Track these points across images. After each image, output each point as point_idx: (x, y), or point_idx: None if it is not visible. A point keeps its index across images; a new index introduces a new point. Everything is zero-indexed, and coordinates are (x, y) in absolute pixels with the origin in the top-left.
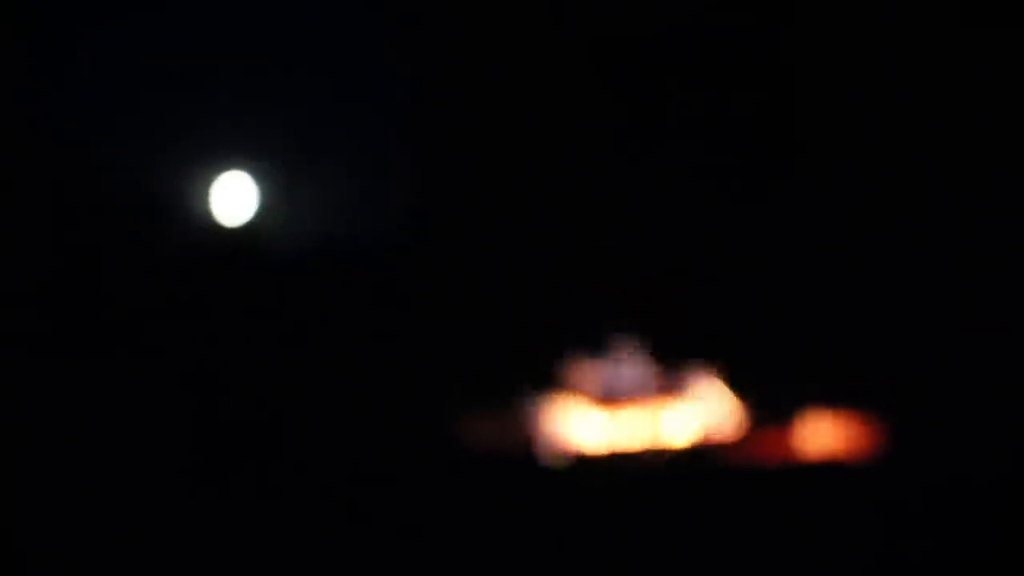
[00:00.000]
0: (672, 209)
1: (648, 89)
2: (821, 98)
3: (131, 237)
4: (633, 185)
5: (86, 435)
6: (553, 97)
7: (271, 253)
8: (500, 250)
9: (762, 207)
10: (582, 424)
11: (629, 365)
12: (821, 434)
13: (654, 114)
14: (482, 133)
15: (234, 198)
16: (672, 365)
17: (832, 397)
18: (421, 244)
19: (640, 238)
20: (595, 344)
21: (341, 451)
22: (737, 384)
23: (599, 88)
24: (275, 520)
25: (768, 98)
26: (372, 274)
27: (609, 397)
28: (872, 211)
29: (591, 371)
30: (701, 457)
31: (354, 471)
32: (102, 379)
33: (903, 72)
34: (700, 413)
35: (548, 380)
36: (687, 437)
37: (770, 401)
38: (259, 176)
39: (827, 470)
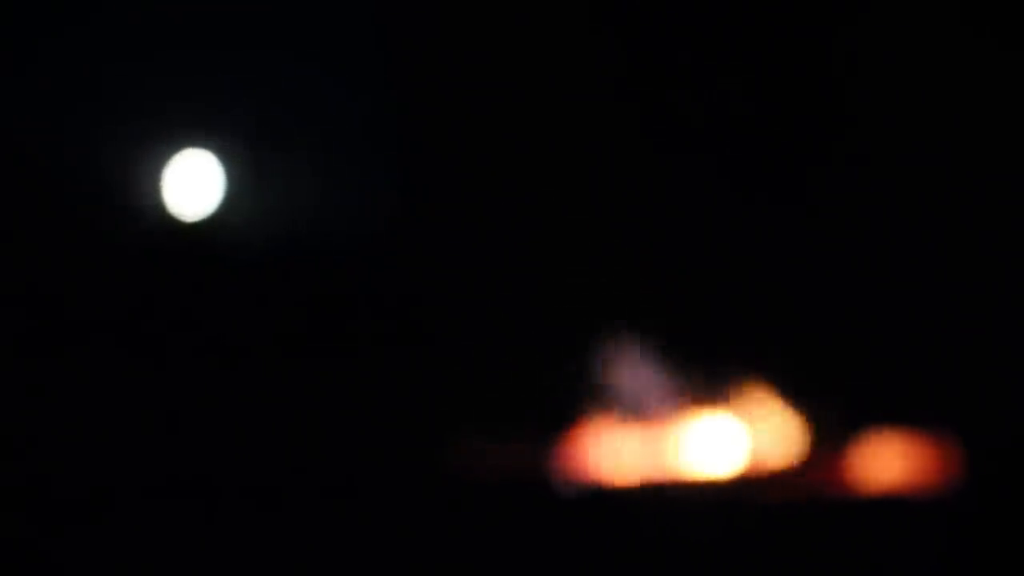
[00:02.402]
0: (707, 201)
1: (665, 80)
2: (862, 96)
3: (62, 234)
4: (666, 176)
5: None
6: (557, 75)
7: (238, 254)
8: (504, 247)
9: (819, 201)
10: (600, 448)
11: (656, 378)
12: (886, 460)
13: (671, 106)
14: (482, 114)
15: (194, 185)
16: (709, 378)
17: (900, 415)
18: (415, 242)
19: (668, 232)
20: (615, 354)
21: (323, 479)
22: (787, 400)
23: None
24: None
25: (802, 94)
26: (358, 276)
27: (632, 416)
28: (940, 210)
29: (611, 385)
30: (742, 488)
31: (335, 503)
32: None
33: (943, 74)
34: (742, 435)
35: (558, 396)
36: (726, 463)
37: (826, 420)
38: (225, 158)
39: (893, 504)
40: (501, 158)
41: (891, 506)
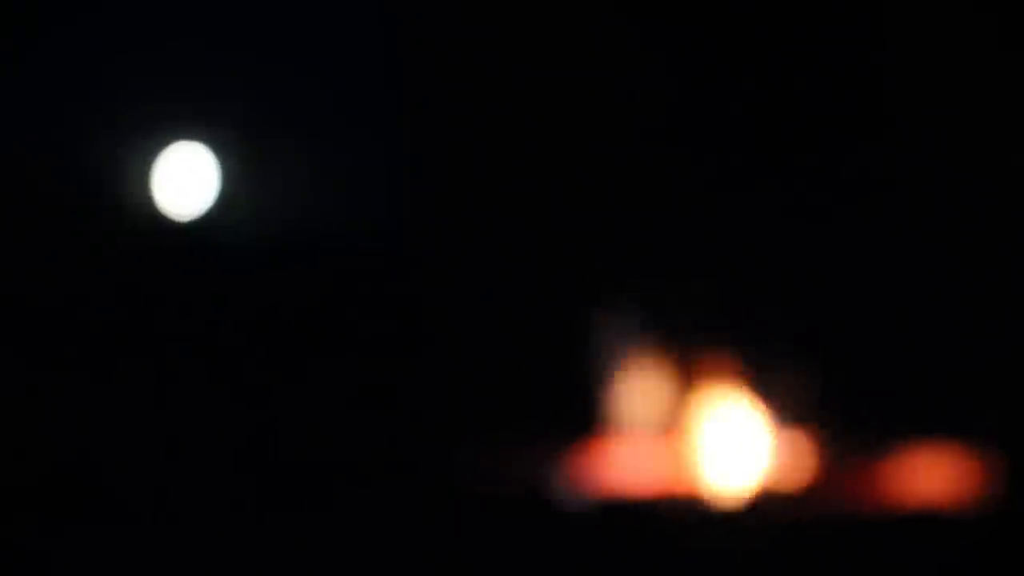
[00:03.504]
0: (730, 204)
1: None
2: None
3: (43, 235)
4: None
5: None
6: (576, 63)
7: (234, 257)
8: (514, 247)
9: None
10: (612, 459)
11: (669, 384)
12: (920, 473)
13: (693, 104)
14: (491, 111)
15: (186, 183)
16: (729, 385)
17: (937, 425)
18: (423, 243)
19: (688, 235)
20: (630, 359)
21: (324, 488)
22: (813, 408)
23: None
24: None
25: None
26: (364, 280)
27: (647, 425)
28: (985, 213)
29: (619, 393)
30: (764, 503)
31: (335, 513)
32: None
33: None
34: (764, 446)
35: (564, 405)
36: (747, 476)
37: (856, 430)
38: (220, 153)
39: (927, 521)
40: (512, 157)
41: (925, 523)
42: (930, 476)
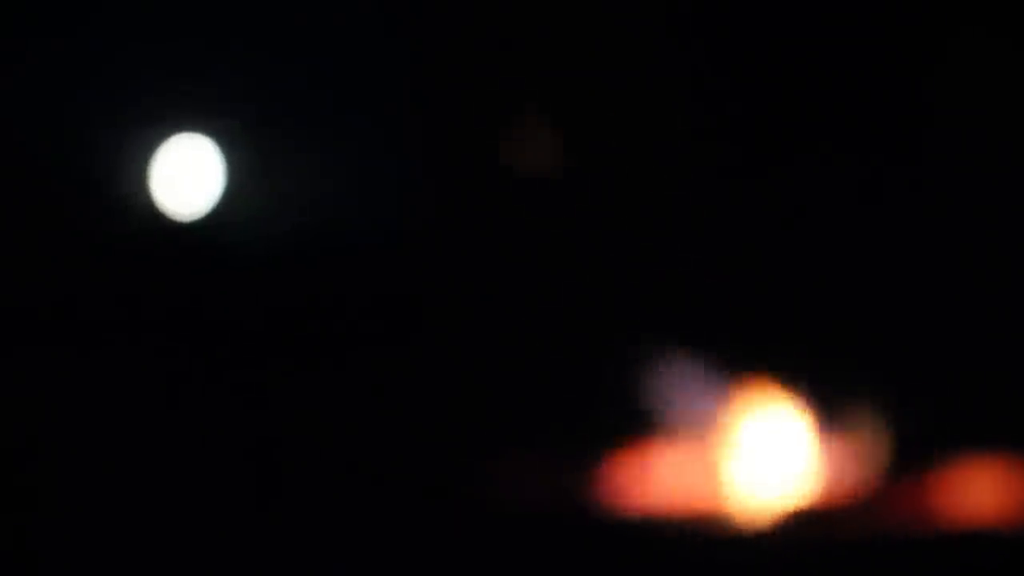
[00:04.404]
0: (761, 209)
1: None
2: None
3: (36, 234)
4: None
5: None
6: (604, 55)
7: (240, 259)
8: (535, 248)
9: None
10: (645, 472)
11: (711, 393)
12: (976, 488)
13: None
14: (507, 108)
15: (189, 180)
16: (771, 392)
17: (997, 435)
18: (443, 245)
19: (725, 238)
20: (664, 365)
21: (332, 501)
22: (863, 417)
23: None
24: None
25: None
26: (379, 283)
27: (682, 435)
28: None
29: (659, 400)
30: (810, 520)
31: (345, 532)
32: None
33: None
34: (809, 459)
35: (593, 413)
36: (791, 491)
37: (910, 441)
38: (225, 148)
39: (986, 539)
40: (534, 156)
41: (984, 542)
42: (986, 490)
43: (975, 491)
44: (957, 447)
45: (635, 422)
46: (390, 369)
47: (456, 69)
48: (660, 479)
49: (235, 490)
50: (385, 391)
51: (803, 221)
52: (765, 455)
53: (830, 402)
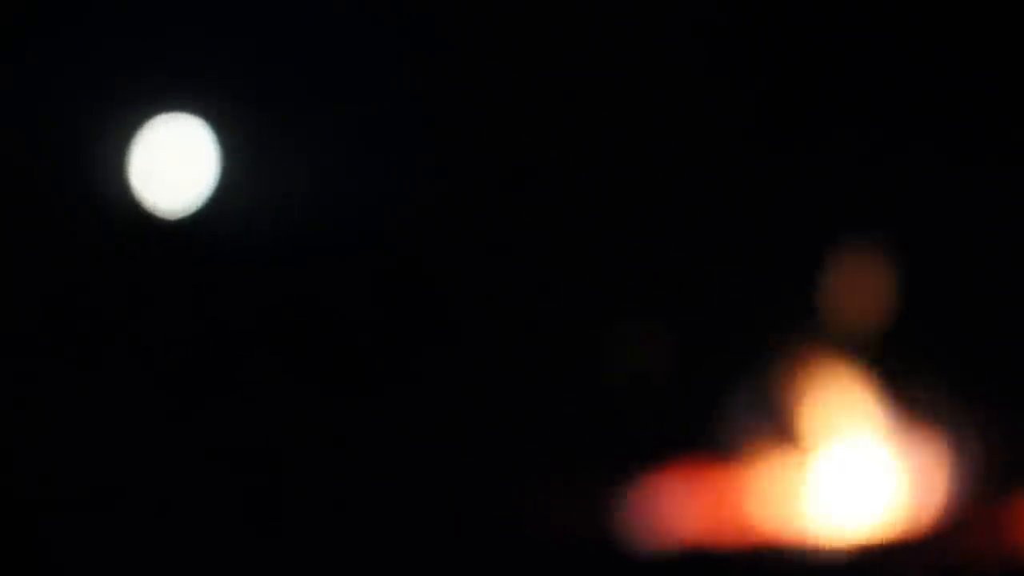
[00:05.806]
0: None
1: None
2: None
3: (27, 231)
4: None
5: None
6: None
7: (232, 259)
8: (561, 249)
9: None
10: (690, 498)
11: (768, 411)
12: None
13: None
14: (516, 106)
15: (181, 174)
16: (837, 408)
17: None
18: (456, 246)
19: (807, 240)
20: (722, 378)
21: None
22: (936, 439)
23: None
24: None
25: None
26: (385, 285)
27: (734, 455)
28: None
29: (712, 419)
30: (874, 552)
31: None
32: None
33: None
34: (877, 483)
35: (629, 432)
36: (855, 519)
37: (990, 465)
38: (218, 137)
39: None
40: (546, 155)
41: None
42: None
43: None
44: None
45: (703, 443)
46: (389, 369)
47: (455, 67)
48: (711, 504)
49: (226, 488)
50: (384, 391)
51: (883, 235)
52: (844, 477)
53: (911, 422)
